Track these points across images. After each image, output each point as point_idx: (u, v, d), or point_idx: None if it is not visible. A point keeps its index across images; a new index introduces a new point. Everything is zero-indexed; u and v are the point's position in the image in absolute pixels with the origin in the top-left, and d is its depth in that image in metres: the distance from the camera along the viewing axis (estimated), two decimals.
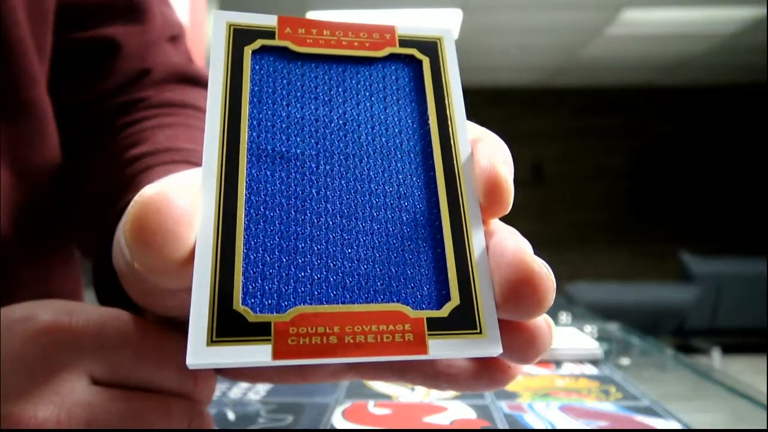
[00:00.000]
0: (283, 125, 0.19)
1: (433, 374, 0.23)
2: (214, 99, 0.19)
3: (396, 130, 0.20)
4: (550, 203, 4.78)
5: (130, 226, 0.16)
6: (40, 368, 0.22)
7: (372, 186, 0.19)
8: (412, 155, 0.20)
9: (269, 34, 0.20)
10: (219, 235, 0.17)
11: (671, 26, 3.51)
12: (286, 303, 0.17)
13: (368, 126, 0.20)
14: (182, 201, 0.16)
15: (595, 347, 0.50)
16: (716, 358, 3.35)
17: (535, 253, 0.18)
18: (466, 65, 4.13)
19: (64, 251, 0.42)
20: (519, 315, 0.17)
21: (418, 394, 0.39)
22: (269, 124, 0.19)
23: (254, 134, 0.19)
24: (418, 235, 0.19)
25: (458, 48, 0.22)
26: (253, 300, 0.16)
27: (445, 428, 0.33)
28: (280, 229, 0.18)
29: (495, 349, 0.17)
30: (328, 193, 0.19)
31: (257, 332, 0.16)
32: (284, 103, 0.20)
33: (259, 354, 0.16)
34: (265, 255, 0.17)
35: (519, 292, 0.17)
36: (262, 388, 0.40)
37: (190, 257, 0.16)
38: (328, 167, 0.19)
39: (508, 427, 0.33)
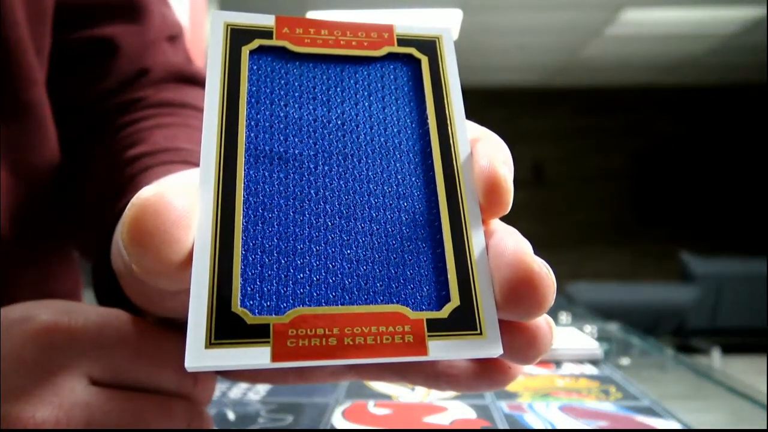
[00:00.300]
0: (281, 126, 0.19)
1: (433, 375, 0.23)
2: (212, 100, 0.18)
3: (395, 130, 0.20)
4: (551, 203, 4.78)
5: (128, 228, 0.16)
6: (39, 369, 0.22)
7: (371, 186, 0.19)
8: (411, 155, 0.20)
9: (267, 34, 0.20)
10: (217, 236, 0.17)
11: (671, 26, 3.51)
12: (285, 304, 0.17)
13: (367, 126, 0.20)
14: (180, 203, 0.16)
15: (595, 347, 0.50)
16: (716, 358, 3.35)
17: (535, 254, 0.18)
18: (466, 65, 4.13)
19: (63, 252, 0.42)
20: (519, 315, 0.17)
21: (418, 394, 0.39)
22: (267, 124, 0.19)
23: (252, 135, 0.19)
24: (418, 236, 0.18)
25: (458, 48, 0.22)
26: (251, 302, 0.16)
27: (445, 428, 0.33)
28: (279, 230, 0.18)
29: (495, 350, 0.17)
30: (326, 193, 0.19)
31: (256, 334, 0.16)
32: (282, 103, 0.20)
33: (258, 356, 0.15)
34: (264, 256, 0.17)
35: (519, 293, 0.17)
36: (262, 388, 0.40)
37: (189, 259, 0.16)
38: (326, 168, 0.19)
39: (508, 427, 0.33)
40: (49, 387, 0.21)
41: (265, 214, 0.18)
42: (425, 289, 0.18)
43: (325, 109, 0.20)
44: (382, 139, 0.20)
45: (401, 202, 0.19)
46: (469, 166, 0.19)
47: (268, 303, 0.16)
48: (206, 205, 0.17)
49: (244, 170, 0.18)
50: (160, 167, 0.32)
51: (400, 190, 0.19)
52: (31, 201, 0.37)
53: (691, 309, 3.33)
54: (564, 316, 0.78)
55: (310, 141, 0.19)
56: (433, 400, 0.38)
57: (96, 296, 0.31)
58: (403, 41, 0.21)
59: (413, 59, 0.21)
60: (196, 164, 0.30)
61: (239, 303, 0.16)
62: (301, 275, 0.17)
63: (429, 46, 0.21)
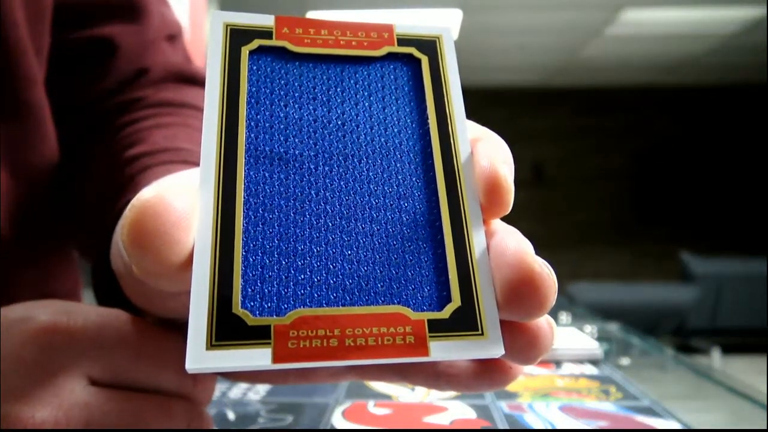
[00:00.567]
0: (281, 126, 0.19)
1: (434, 375, 0.23)
2: (212, 100, 0.18)
3: (395, 130, 0.20)
4: (551, 203, 4.78)
5: (128, 230, 0.16)
6: (39, 369, 0.22)
7: (371, 186, 0.19)
8: (411, 155, 0.20)
9: (266, 34, 0.20)
10: (217, 238, 0.17)
11: (671, 26, 3.51)
12: (285, 306, 0.16)
13: (367, 126, 0.20)
14: (180, 204, 0.16)
15: (595, 347, 0.50)
16: (716, 358, 3.35)
17: (536, 254, 0.17)
18: (466, 65, 4.13)
19: (63, 252, 0.42)
20: (521, 316, 0.17)
21: (418, 394, 0.39)
22: (267, 125, 0.19)
23: (252, 135, 0.19)
24: (419, 236, 0.18)
25: (458, 48, 0.22)
26: (252, 303, 0.16)
27: (445, 428, 0.33)
28: (279, 231, 0.18)
29: (497, 351, 0.17)
30: (327, 194, 0.18)
31: (257, 336, 0.16)
32: (282, 103, 0.20)
33: (259, 358, 0.15)
34: (264, 257, 0.17)
35: (520, 293, 0.17)
36: (262, 388, 0.40)
37: (189, 261, 0.16)
38: (326, 168, 0.19)
39: (508, 427, 0.33)
40: (48, 387, 0.21)
41: (266, 215, 0.18)
42: (426, 290, 0.18)
43: (325, 110, 0.20)
44: (382, 139, 0.20)
45: (402, 203, 0.19)
46: (470, 166, 0.19)
47: (269, 304, 0.16)
48: (206, 206, 0.17)
49: (245, 171, 0.18)
50: (160, 167, 0.32)
51: (400, 190, 0.19)
52: (30, 201, 0.37)
53: (691, 309, 3.33)
54: (564, 316, 0.78)
55: (311, 141, 0.19)
56: (433, 400, 0.38)
57: (96, 296, 0.31)
58: (403, 41, 0.21)
59: (413, 59, 0.21)
60: (196, 164, 0.30)
61: (240, 304, 0.16)
62: (302, 276, 0.17)
63: (429, 45, 0.21)
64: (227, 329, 0.16)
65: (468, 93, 0.31)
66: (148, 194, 0.16)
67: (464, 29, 3.52)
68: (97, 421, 0.21)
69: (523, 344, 0.18)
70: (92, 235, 0.33)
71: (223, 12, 0.20)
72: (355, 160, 0.19)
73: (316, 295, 0.17)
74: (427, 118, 0.20)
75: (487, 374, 0.22)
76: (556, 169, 4.82)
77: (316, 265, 0.17)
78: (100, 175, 0.36)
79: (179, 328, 0.24)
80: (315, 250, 0.18)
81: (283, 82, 0.20)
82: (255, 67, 0.20)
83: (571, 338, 0.52)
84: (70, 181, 0.39)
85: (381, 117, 0.20)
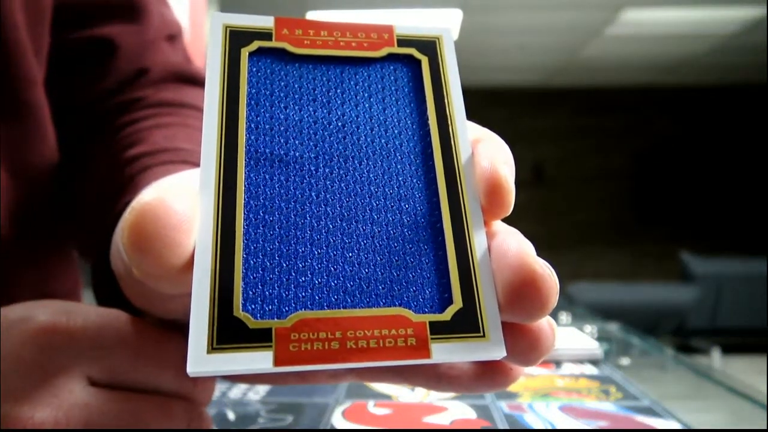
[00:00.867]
0: (282, 128, 0.19)
1: (434, 376, 0.23)
2: (211, 102, 0.18)
3: (395, 131, 0.20)
4: (551, 204, 4.77)
5: (129, 233, 0.16)
6: (38, 369, 0.22)
7: (372, 188, 0.19)
8: (412, 156, 0.20)
9: (266, 35, 0.20)
10: (218, 240, 0.16)
11: (671, 26, 3.51)
12: (287, 308, 0.16)
13: (367, 127, 0.20)
14: (180, 207, 0.16)
15: (595, 347, 0.50)
16: (716, 358, 3.35)
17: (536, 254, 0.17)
18: (466, 65, 4.13)
19: (63, 252, 0.42)
20: (522, 317, 0.17)
21: (418, 394, 0.39)
22: (267, 127, 0.19)
23: (252, 137, 0.19)
24: (419, 238, 0.18)
25: (458, 48, 0.22)
26: (253, 306, 0.16)
27: (445, 428, 0.33)
28: (280, 233, 0.17)
29: (498, 353, 0.17)
30: (327, 196, 0.18)
31: (258, 338, 0.16)
32: (282, 105, 0.19)
33: (260, 361, 0.15)
34: (265, 260, 0.17)
35: (522, 294, 0.17)
36: (262, 388, 0.40)
37: (190, 263, 0.16)
38: (327, 170, 0.19)
39: (508, 427, 0.33)
40: (48, 388, 0.21)
41: (266, 217, 0.18)
42: (427, 292, 0.18)
43: (325, 111, 0.20)
44: (382, 141, 0.20)
45: (402, 204, 0.19)
46: (470, 167, 0.19)
47: (270, 307, 0.16)
48: (207, 208, 0.17)
49: (245, 173, 0.18)
50: (160, 167, 0.32)
51: (401, 191, 0.19)
52: (30, 201, 0.37)
53: (691, 309, 3.33)
54: (564, 316, 0.78)
55: (311, 143, 0.19)
56: (433, 400, 0.38)
57: (95, 296, 0.31)
58: (403, 42, 0.21)
59: (413, 60, 0.21)
60: (196, 164, 0.30)
61: (241, 307, 0.16)
62: (303, 278, 0.17)
63: (429, 46, 0.21)
64: (228, 332, 0.15)
65: (468, 93, 0.31)
66: (148, 197, 0.16)
67: (464, 29, 3.52)
68: (96, 422, 0.21)
69: (524, 346, 0.18)
70: (92, 235, 0.33)
71: (222, 14, 0.20)
72: (356, 161, 0.19)
73: (317, 297, 0.17)
74: (428, 119, 0.20)
75: (488, 376, 0.22)
76: (556, 170, 4.82)
77: (317, 268, 0.17)
78: (100, 175, 0.36)
79: (179, 328, 0.24)
80: (316, 252, 0.17)
81: (283, 83, 0.20)
82: (255, 69, 0.20)
83: (571, 338, 0.52)
84: (70, 181, 0.39)
85: (381, 118, 0.20)
